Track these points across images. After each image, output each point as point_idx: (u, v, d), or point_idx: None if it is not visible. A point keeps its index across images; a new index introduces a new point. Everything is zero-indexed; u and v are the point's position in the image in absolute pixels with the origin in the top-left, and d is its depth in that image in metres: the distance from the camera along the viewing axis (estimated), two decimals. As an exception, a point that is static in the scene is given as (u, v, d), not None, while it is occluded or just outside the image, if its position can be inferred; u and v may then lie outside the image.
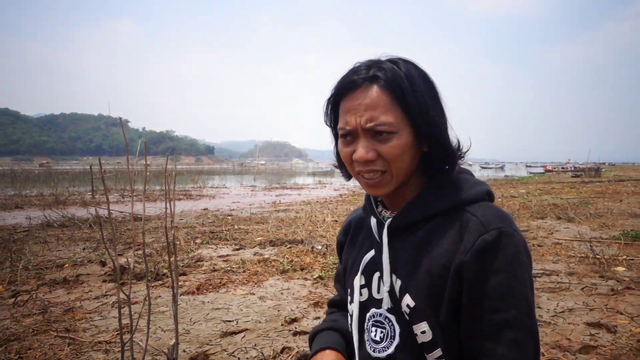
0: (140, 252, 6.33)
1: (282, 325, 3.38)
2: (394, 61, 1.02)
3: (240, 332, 3.26)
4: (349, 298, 1.18)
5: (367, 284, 1.12)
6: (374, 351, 1.07)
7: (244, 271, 5.07)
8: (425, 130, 1.01)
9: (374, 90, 0.99)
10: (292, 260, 5.50)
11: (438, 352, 0.98)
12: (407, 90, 0.99)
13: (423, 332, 0.98)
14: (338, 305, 1.38)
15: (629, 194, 14.88)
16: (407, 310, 1.01)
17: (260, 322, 3.46)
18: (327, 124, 1.14)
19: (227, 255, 6.05)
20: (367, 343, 1.09)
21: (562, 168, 60.28)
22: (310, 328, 3.27)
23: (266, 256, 5.82)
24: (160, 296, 4.16)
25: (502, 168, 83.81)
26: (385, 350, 1.04)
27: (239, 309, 3.77)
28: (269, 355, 2.83)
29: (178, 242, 6.57)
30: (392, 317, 1.05)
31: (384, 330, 1.06)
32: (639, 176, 29.14)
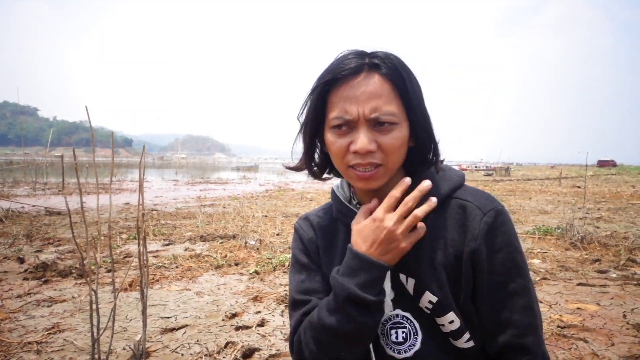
0: (61, 247, 6.00)
1: (223, 320, 3.35)
2: (386, 52, 0.97)
3: (180, 328, 3.19)
4: None
5: None
6: (398, 353, 1.03)
7: (177, 267, 4.95)
8: (420, 125, 0.98)
9: (376, 79, 0.94)
10: (225, 256, 5.44)
11: (466, 336, 1.00)
12: (407, 82, 0.96)
13: (451, 322, 0.99)
14: None
15: (536, 192, 16.06)
16: (429, 306, 1.00)
17: (199, 317, 3.41)
18: (302, 116, 1.03)
19: (157, 250, 5.87)
20: (386, 348, 1.05)
21: (476, 167, 63.59)
22: (252, 323, 3.27)
23: (198, 251, 5.71)
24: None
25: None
26: (412, 348, 1.03)
27: (176, 305, 3.69)
28: (214, 351, 2.80)
29: (103, 238, 6.27)
30: (408, 314, 1.04)
31: (405, 330, 1.04)
32: (544, 176, 31.48)
